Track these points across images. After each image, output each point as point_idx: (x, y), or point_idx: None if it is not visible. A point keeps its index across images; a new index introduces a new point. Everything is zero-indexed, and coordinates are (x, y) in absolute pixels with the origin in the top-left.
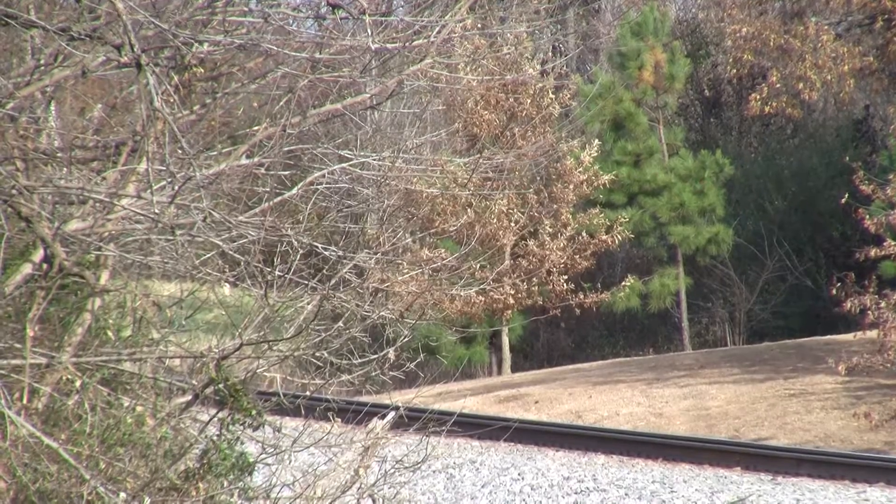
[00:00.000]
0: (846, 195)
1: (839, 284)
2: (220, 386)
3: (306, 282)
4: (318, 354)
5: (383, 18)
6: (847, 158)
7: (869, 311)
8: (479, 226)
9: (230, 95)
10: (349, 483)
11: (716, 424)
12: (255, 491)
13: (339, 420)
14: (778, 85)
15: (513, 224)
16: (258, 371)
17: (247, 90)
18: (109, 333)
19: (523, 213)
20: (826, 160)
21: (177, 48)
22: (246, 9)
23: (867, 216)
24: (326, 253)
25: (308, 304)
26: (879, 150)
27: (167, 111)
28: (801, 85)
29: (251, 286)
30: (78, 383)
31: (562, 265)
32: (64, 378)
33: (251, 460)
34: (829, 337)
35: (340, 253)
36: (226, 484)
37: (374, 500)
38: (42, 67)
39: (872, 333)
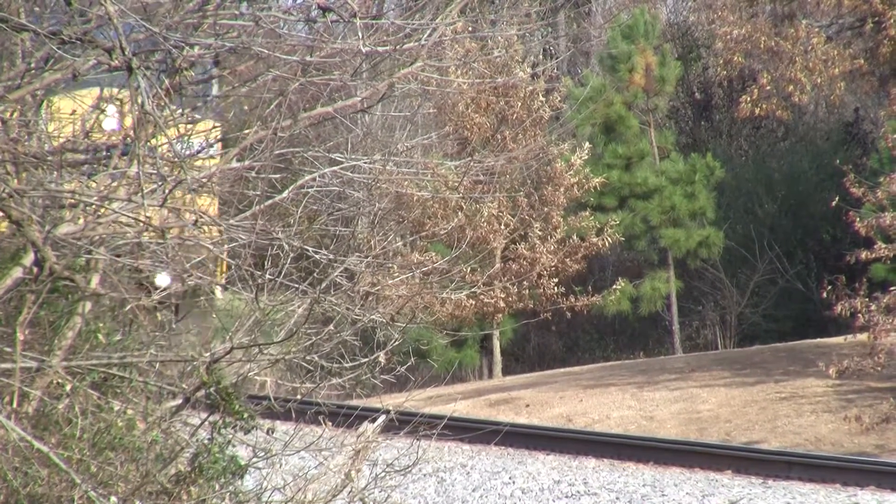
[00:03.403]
0: (837, 198)
1: (830, 287)
2: (211, 389)
3: (297, 285)
4: (308, 358)
5: (374, 21)
6: (837, 161)
7: (859, 314)
8: (470, 229)
9: (221, 98)
10: (340, 487)
11: (707, 428)
12: (246, 495)
13: (330, 424)
14: (768, 87)
15: (503, 227)
16: (249, 375)
17: (237, 93)
18: (100, 337)
19: (514, 216)
20: (816, 163)
21: (167, 51)
22: (237, 12)
23: (858, 219)
24: (317, 256)
25: (299, 307)
26: (870, 152)
27: (158, 114)
28: (791, 87)
29: (242, 289)
30: (68, 387)
31: (552, 268)
32: (54, 382)
33: (242, 464)
34: (819, 340)
35: (331, 256)
36: (217, 488)
37: None
38: (33, 71)
39: (863, 336)
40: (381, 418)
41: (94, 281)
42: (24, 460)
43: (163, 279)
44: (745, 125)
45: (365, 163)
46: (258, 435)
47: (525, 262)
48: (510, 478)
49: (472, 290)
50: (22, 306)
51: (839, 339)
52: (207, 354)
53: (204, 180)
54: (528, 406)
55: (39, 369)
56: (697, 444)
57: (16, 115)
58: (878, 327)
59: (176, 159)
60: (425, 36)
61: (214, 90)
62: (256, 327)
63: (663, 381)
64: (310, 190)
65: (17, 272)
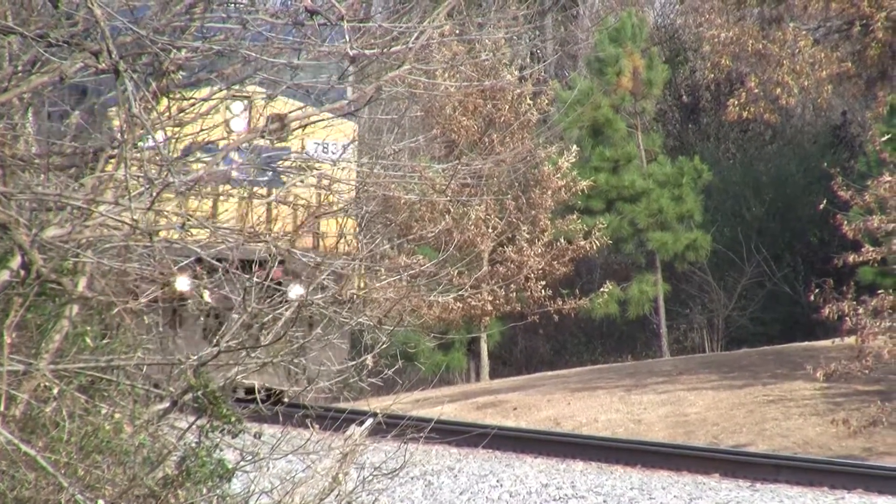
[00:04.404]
0: (824, 201)
1: (817, 290)
2: (199, 393)
3: (284, 288)
4: (296, 361)
5: (361, 24)
6: (825, 164)
7: (847, 318)
8: (457, 232)
9: (208, 101)
10: (327, 490)
11: (694, 431)
12: (234, 498)
13: (318, 427)
14: (756, 90)
15: (491, 230)
16: (237, 378)
17: (225, 96)
18: (87, 340)
19: (501, 219)
20: (804, 166)
21: (155, 54)
22: (224, 15)
23: (845, 222)
24: (304, 259)
25: (286, 310)
26: (857, 155)
27: (145, 117)
28: (778, 90)
29: (230, 292)
30: (55, 390)
31: (540, 271)
32: (41, 385)
33: (230, 467)
34: (807, 343)
35: (319, 259)
36: (204, 491)
37: None
38: (20, 74)
39: (851, 340)
40: (369, 422)
41: (82, 284)
42: (12, 464)
43: (296, 290)
44: (733, 128)
45: (352, 165)
46: (246, 438)
47: (512, 265)
48: (498, 481)
49: (460, 292)
50: (9, 309)
51: (827, 343)
52: (195, 357)
53: (191, 183)
54: (515, 409)
55: (26, 372)
56: (685, 447)
57: (3, 118)
58: (866, 330)
59: (163, 162)
60: (413, 39)
61: (349, 92)
62: (244, 330)
63: (651, 385)
64: (298, 192)
65: (4, 275)
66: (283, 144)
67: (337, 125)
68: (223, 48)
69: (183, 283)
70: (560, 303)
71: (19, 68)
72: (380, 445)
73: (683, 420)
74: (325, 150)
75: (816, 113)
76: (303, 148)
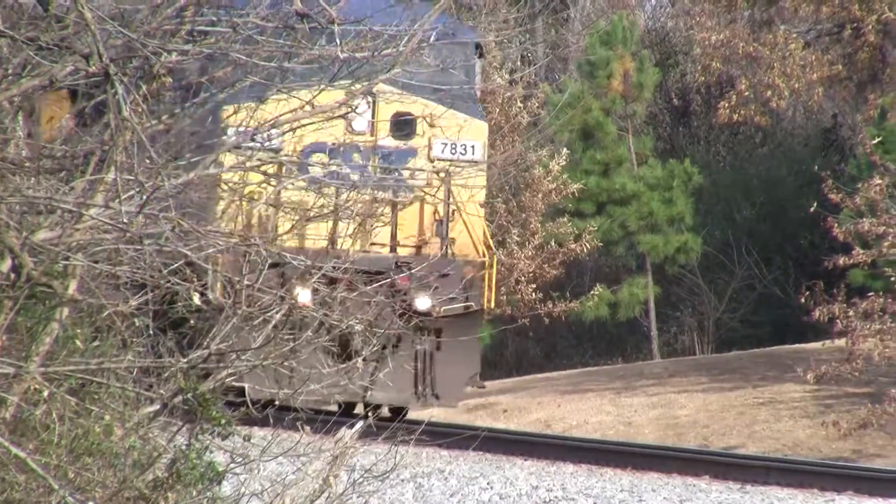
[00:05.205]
0: (815, 204)
1: (808, 293)
2: (189, 395)
3: (275, 291)
4: (286, 364)
5: (352, 27)
6: (816, 167)
7: (838, 320)
8: None
9: (199, 105)
10: (318, 492)
11: (685, 433)
12: (224, 501)
13: (308, 429)
14: (746, 93)
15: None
16: (227, 380)
17: (215, 100)
18: (78, 343)
19: (492, 222)
20: (795, 169)
21: (145, 58)
22: (214, 18)
23: (836, 225)
24: (295, 262)
25: (277, 313)
26: (848, 158)
27: (135, 121)
28: (769, 93)
29: (219, 296)
30: (46, 393)
31: (530, 274)
32: (32, 388)
33: (220, 470)
34: (797, 346)
35: (309, 262)
36: (195, 493)
37: None
38: (10, 77)
39: (841, 342)
40: (359, 424)
41: (72, 287)
42: (2, 466)
43: (423, 302)
44: (724, 131)
45: (344, 168)
46: (236, 440)
47: (503, 268)
48: (488, 483)
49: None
50: None
51: (817, 345)
52: (185, 360)
53: (182, 186)
54: (505, 411)
55: (17, 375)
56: (675, 449)
57: None
58: (856, 333)
59: (153, 166)
60: (403, 42)
61: (478, 79)
62: (234, 333)
63: (641, 387)
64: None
65: None
66: (408, 144)
67: (468, 126)
68: (214, 52)
69: (305, 296)
70: (550, 305)
71: (9, 72)
72: (370, 448)
73: (674, 422)
74: (454, 150)
75: (807, 116)
76: (429, 147)
